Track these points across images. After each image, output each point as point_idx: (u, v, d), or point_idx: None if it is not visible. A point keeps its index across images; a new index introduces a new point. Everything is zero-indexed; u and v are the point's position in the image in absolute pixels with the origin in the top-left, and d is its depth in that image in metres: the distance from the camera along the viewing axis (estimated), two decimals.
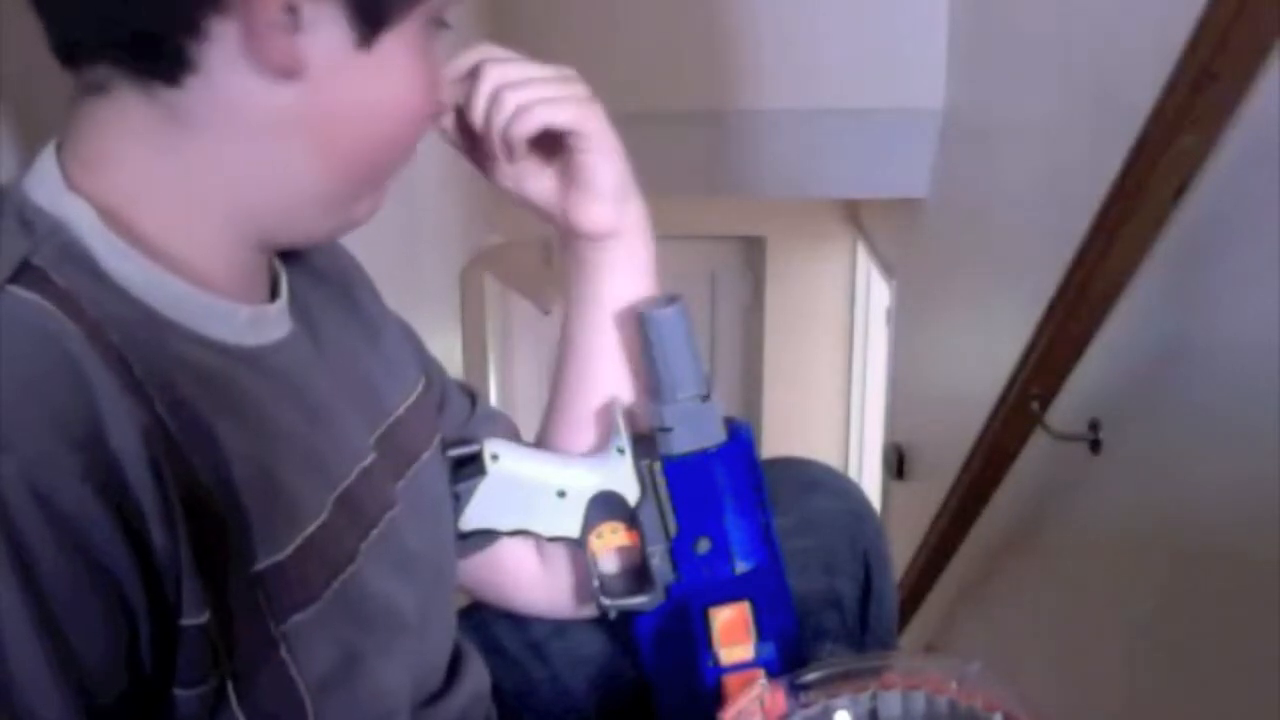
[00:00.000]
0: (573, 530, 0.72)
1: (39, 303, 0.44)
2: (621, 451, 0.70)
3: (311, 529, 0.53)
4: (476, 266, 3.13)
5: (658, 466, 0.70)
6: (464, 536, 0.73)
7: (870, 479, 3.79)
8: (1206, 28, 1.07)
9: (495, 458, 0.71)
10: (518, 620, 0.82)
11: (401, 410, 0.67)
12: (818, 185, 2.80)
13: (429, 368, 0.75)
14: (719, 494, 0.71)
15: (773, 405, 4.39)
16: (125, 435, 0.43)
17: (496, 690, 0.77)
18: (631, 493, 0.70)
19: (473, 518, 0.72)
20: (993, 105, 2.21)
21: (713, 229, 4.17)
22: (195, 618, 0.46)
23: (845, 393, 4.32)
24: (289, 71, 0.49)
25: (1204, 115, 1.13)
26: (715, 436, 0.70)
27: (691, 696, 0.72)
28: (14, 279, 0.44)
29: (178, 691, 0.46)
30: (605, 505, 0.71)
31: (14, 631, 0.40)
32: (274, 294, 0.58)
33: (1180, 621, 1.35)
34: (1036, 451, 1.74)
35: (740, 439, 0.72)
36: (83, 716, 0.42)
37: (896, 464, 3.00)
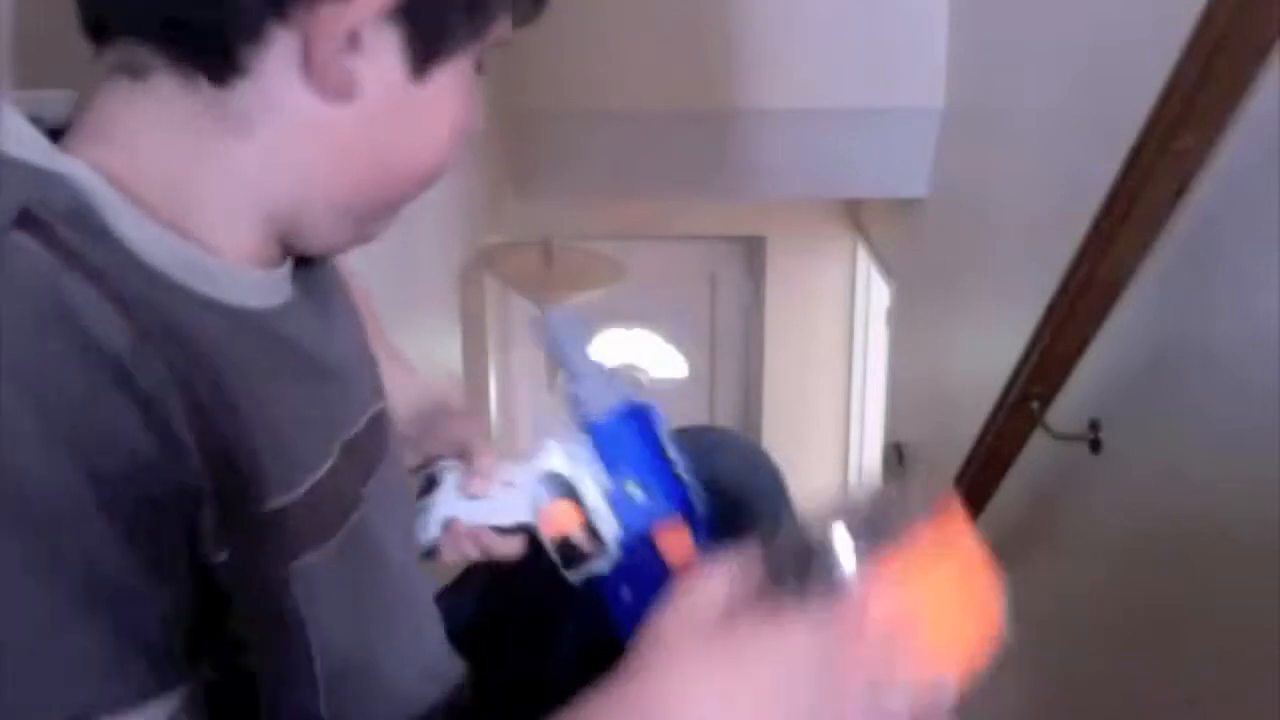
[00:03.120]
0: (527, 515, 0.79)
1: (42, 252, 0.42)
2: (552, 439, 0.79)
3: (321, 473, 0.54)
4: (476, 266, 3.12)
5: (582, 437, 0.80)
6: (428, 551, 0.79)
7: (870, 479, 3.78)
8: (1206, 28, 1.07)
9: (449, 469, 0.80)
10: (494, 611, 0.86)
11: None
12: (818, 185, 2.80)
13: None
14: (638, 445, 0.80)
15: (773, 405, 4.40)
16: (149, 380, 0.43)
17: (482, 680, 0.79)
18: (566, 467, 0.79)
19: (433, 528, 0.79)
20: (993, 105, 2.21)
21: (713, 229, 4.17)
22: (218, 556, 0.47)
23: (845, 393, 4.33)
24: (343, 93, 0.49)
25: (1204, 115, 1.13)
26: (623, 403, 0.81)
27: None
28: (17, 226, 0.42)
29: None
30: (550, 486, 0.79)
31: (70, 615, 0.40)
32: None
33: (1180, 621, 1.35)
34: (1036, 451, 1.74)
35: (643, 408, 0.81)
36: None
37: (896, 464, 3.01)
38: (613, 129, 2.54)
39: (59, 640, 0.40)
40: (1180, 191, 1.23)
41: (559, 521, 0.79)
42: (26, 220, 0.43)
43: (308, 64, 0.48)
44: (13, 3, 0.66)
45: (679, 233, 4.09)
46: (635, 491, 0.78)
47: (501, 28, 0.54)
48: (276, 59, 0.48)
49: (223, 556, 0.47)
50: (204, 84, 0.48)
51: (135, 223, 0.47)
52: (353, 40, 0.48)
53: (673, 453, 0.80)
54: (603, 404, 0.80)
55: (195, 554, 0.46)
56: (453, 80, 0.53)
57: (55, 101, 0.52)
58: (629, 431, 0.80)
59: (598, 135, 2.55)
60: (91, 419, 0.41)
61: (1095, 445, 1.55)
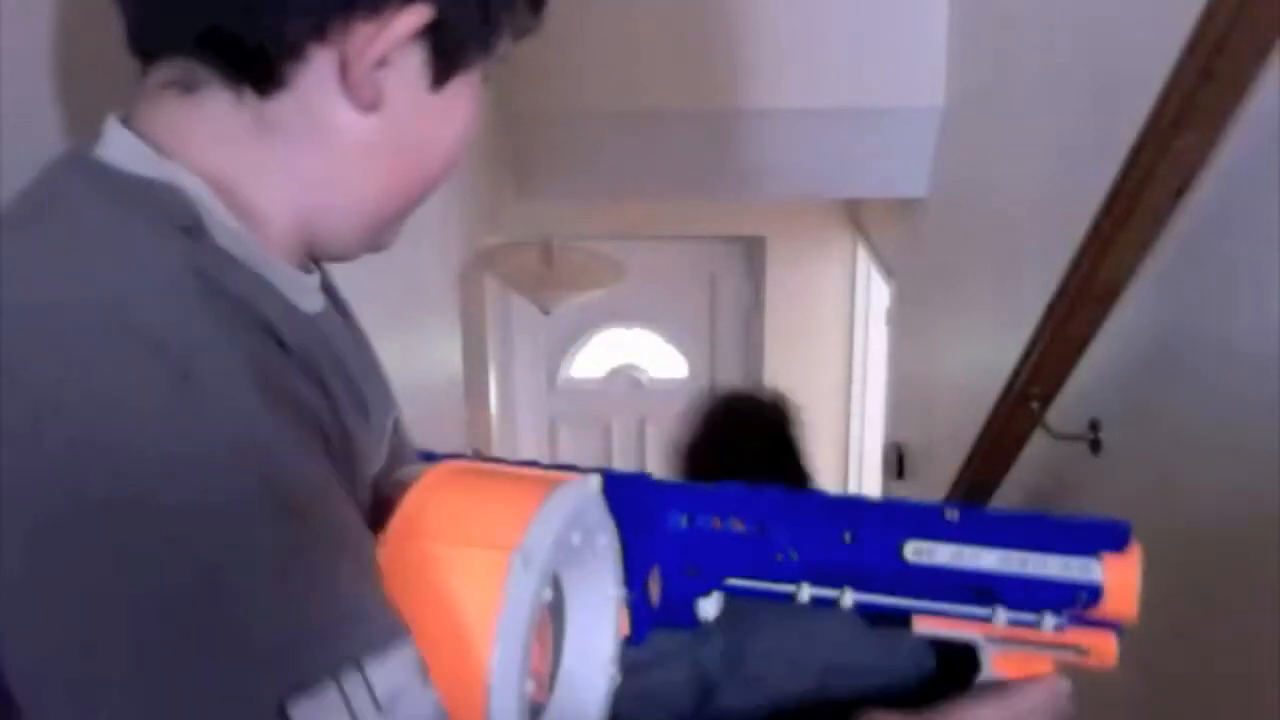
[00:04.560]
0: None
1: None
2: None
3: (374, 474, 0.59)
4: (476, 266, 3.12)
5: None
6: None
7: (870, 479, 3.79)
8: (1206, 28, 1.07)
9: None
10: None
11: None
12: (818, 185, 2.80)
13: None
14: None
15: None
16: (300, 354, 0.50)
17: None
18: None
19: None
20: (993, 105, 2.21)
21: (713, 229, 4.17)
22: None
23: (845, 393, 4.32)
24: (373, 105, 0.53)
25: (1204, 115, 1.13)
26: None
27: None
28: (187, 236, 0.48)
29: None
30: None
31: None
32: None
33: (1179, 621, 1.35)
34: (1036, 451, 1.74)
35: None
36: None
37: (896, 464, 3.00)
38: (613, 129, 2.54)
39: (333, 586, 0.43)
40: (1180, 191, 1.23)
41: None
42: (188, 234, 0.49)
43: (343, 79, 0.52)
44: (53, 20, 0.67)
45: (679, 233, 4.09)
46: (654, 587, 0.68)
47: (507, 40, 0.59)
48: (315, 73, 0.52)
49: None
50: (249, 95, 0.52)
51: (229, 231, 0.52)
52: (384, 59, 0.52)
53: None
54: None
55: None
56: (465, 88, 0.57)
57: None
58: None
59: (597, 135, 2.55)
60: (288, 384, 0.47)
61: (1095, 445, 1.55)
